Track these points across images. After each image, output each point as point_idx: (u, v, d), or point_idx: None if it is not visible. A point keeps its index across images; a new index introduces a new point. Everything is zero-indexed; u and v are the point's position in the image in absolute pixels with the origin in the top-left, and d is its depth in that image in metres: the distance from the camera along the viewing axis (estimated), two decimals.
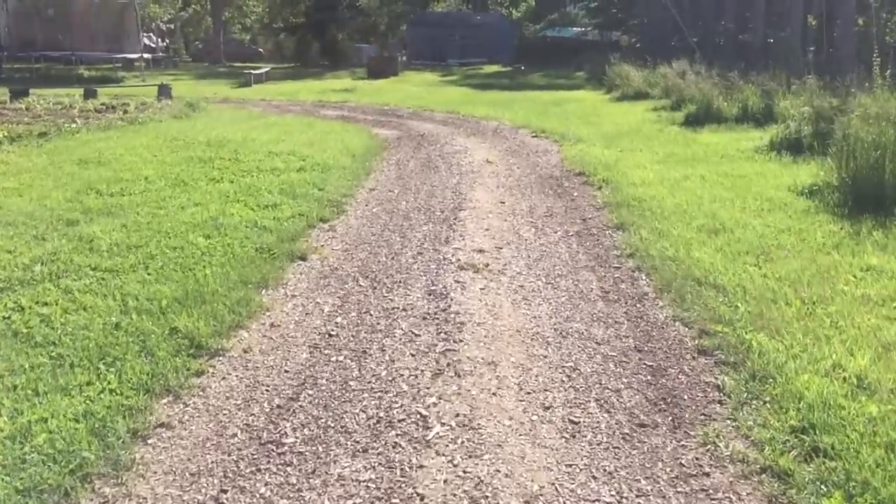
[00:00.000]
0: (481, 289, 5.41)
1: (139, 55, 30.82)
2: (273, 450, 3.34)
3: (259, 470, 3.20)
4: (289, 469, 3.20)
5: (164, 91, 19.70)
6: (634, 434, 3.46)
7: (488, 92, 24.96)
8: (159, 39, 56.86)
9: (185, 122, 15.00)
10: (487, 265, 5.92)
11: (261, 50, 54.69)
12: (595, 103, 19.96)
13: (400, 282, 5.56)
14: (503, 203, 8.08)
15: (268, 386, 3.94)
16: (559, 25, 53.55)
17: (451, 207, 7.87)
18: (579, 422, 3.57)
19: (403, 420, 3.57)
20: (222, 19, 50.41)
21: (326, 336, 4.58)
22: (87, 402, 3.59)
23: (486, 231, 6.95)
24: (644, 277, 5.65)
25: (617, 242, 6.56)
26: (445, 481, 3.11)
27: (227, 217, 7.03)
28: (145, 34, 54.82)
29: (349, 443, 3.39)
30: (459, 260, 6.05)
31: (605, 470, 3.19)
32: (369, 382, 3.96)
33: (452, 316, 4.87)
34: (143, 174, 9.07)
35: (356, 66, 38.33)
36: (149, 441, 3.39)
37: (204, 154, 10.67)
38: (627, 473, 3.17)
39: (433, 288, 5.41)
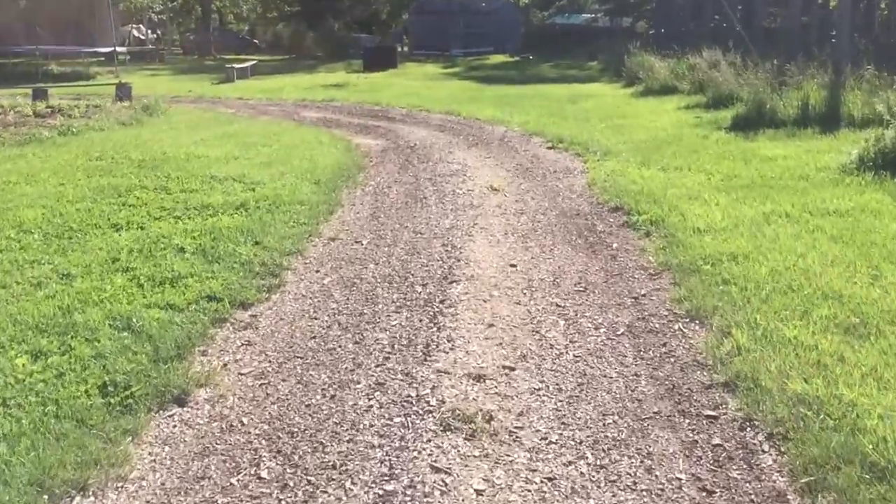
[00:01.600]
0: (477, 491, 2.95)
1: (111, 49, 28.28)
2: None
3: None
4: None
5: (122, 91, 17.24)
6: None
7: (494, 86, 22.41)
8: (149, 31, 54.48)
9: (129, 132, 12.54)
10: (490, 418, 3.46)
11: (256, 41, 52.08)
12: (616, 100, 17.41)
13: (336, 471, 3.10)
14: (514, 267, 5.59)
15: None
16: (568, 12, 50.87)
17: (440, 276, 5.40)
18: None
19: None
20: (212, 9, 47.88)
21: None
22: None
23: (490, 328, 4.48)
24: (767, 448, 3.19)
25: (698, 355, 4.08)
26: None
27: (92, 307, 4.58)
28: (134, 26, 52.47)
29: None
30: (444, 404, 3.59)
31: None
32: None
33: None
34: (21, 218, 6.63)
35: (354, 57, 35.75)
36: None
37: (126, 181, 8.23)
38: None
39: (390, 491, 2.95)
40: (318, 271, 5.55)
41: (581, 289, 5.12)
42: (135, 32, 51.85)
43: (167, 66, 33.52)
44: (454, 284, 5.19)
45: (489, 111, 15.14)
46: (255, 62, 28.50)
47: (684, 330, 4.43)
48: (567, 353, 4.15)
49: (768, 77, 13.84)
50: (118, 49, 29.06)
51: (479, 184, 8.47)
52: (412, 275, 5.41)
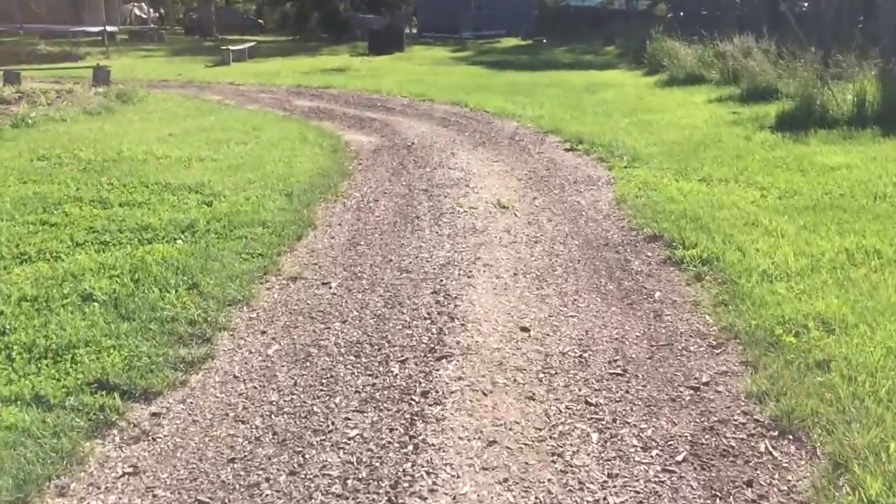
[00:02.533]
0: None
1: (101, 28, 26.83)
2: None
3: None
4: None
5: (100, 76, 15.82)
6: None
7: (505, 72, 20.88)
8: (151, 10, 52.99)
9: (92, 123, 11.14)
10: None
11: (261, 21, 50.48)
12: (638, 90, 15.87)
13: None
14: (527, 332, 4.17)
15: None
16: None
17: (426, 345, 3.99)
18: None
19: None
20: None
21: None
22: None
23: (490, 447, 3.08)
24: None
25: None
26: None
27: None
28: (136, 4, 50.95)
29: None
30: None
31: None
32: None
33: None
34: None
35: (361, 39, 34.15)
36: None
37: (60, 190, 6.86)
38: None
39: None
40: (263, 333, 4.16)
41: (618, 371, 3.71)
42: (136, 11, 50.41)
43: (164, 47, 32.06)
44: (444, 362, 3.79)
45: (499, 102, 13.66)
46: (253, 44, 26.99)
47: (775, 454, 3.02)
48: (607, 501, 2.74)
49: (817, 68, 12.27)
50: (109, 29, 27.62)
51: (484, 198, 7.04)
52: (389, 342, 4.01)
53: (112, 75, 16.49)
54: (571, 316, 4.36)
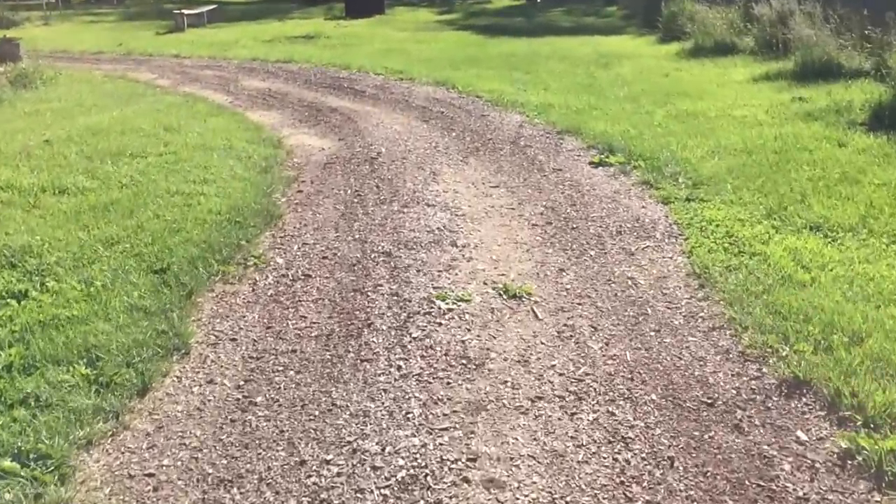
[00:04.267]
0: None
1: None
2: None
3: None
4: None
5: (6, 50, 12.90)
6: None
7: (498, 39, 18.01)
8: None
9: None
10: None
11: None
12: (660, 62, 13.10)
13: None
14: None
15: None
16: None
17: None
18: None
19: None
20: None
21: None
22: None
23: None
24: None
25: None
26: None
27: None
28: None
29: None
30: None
31: None
32: None
33: None
34: None
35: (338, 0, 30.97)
36: None
37: None
38: None
39: None
40: None
41: None
42: None
43: (120, 11, 28.86)
44: None
45: (494, 82, 10.91)
46: (215, 7, 23.86)
47: None
48: None
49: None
50: None
51: (480, 272, 4.38)
52: None
53: (31, 48, 13.61)
54: None
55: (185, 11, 21.40)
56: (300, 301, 4.02)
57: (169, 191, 5.62)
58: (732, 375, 3.23)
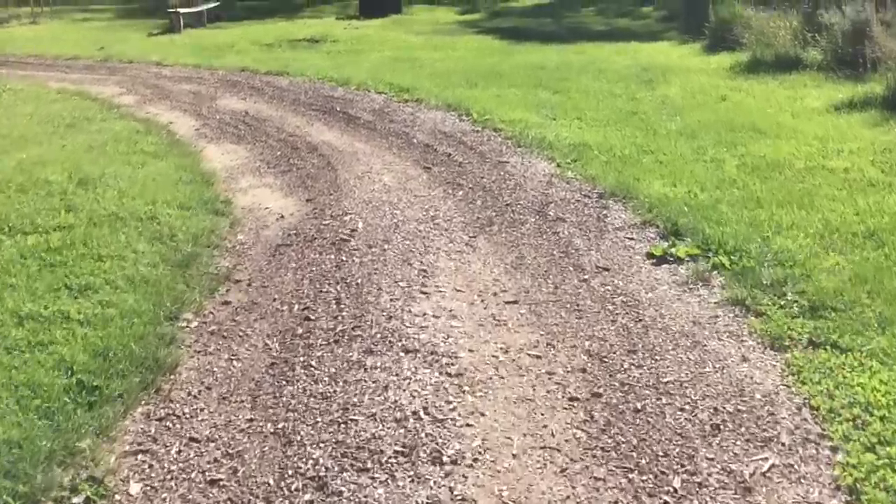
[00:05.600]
0: None
1: None
2: None
3: None
4: None
5: None
6: None
7: (524, 45, 15.99)
8: None
9: None
10: None
11: None
12: (713, 80, 11.00)
13: None
14: None
15: None
16: None
17: None
18: None
19: None
20: None
21: None
22: None
23: None
24: None
25: None
26: None
27: None
28: None
29: None
30: None
31: None
32: None
33: None
34: None
35: None
36: None
37: None
38: None
39: None
40: None
41: None
42: None
43: (118, 7, 27.10)
44: None
45: (517, 108, 8.92)
46: (215, 4, 21.96)
47: None
48: None
49: None
50: None
51: None
52: None
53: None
54: None
55: (182, 10, 19.54)
56: None
57: (18, 314, 3.71)
58: None
